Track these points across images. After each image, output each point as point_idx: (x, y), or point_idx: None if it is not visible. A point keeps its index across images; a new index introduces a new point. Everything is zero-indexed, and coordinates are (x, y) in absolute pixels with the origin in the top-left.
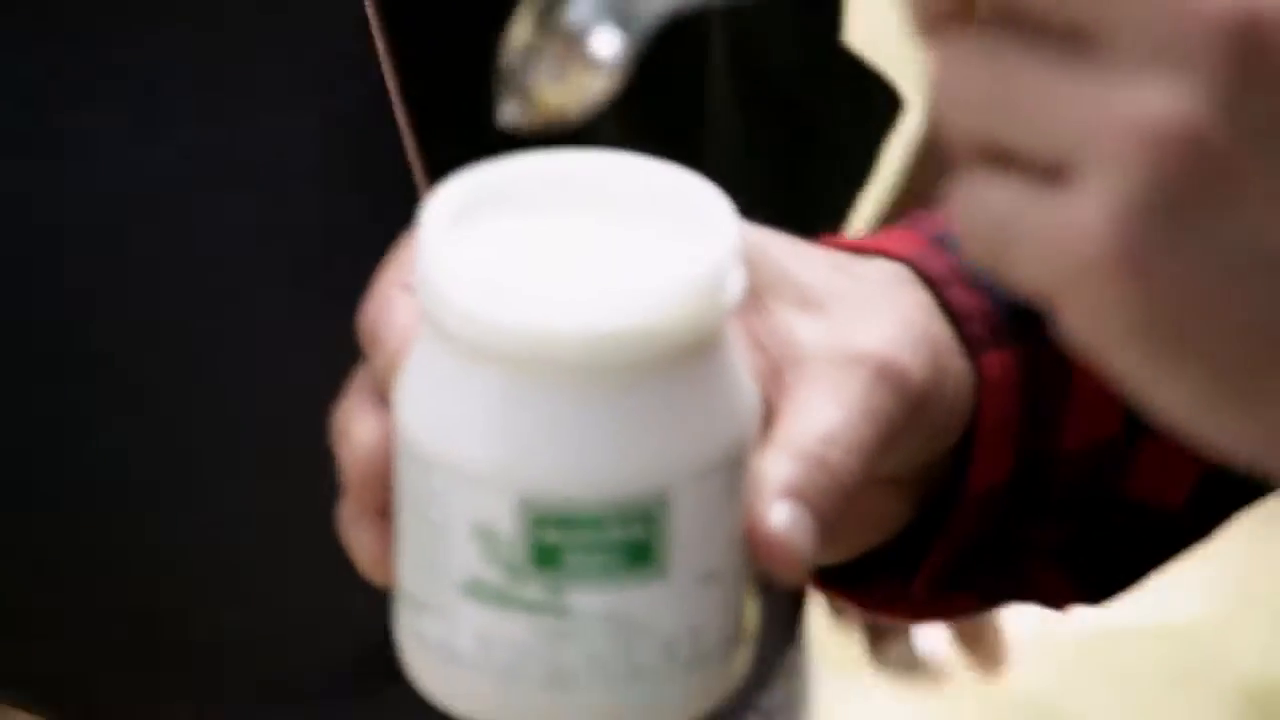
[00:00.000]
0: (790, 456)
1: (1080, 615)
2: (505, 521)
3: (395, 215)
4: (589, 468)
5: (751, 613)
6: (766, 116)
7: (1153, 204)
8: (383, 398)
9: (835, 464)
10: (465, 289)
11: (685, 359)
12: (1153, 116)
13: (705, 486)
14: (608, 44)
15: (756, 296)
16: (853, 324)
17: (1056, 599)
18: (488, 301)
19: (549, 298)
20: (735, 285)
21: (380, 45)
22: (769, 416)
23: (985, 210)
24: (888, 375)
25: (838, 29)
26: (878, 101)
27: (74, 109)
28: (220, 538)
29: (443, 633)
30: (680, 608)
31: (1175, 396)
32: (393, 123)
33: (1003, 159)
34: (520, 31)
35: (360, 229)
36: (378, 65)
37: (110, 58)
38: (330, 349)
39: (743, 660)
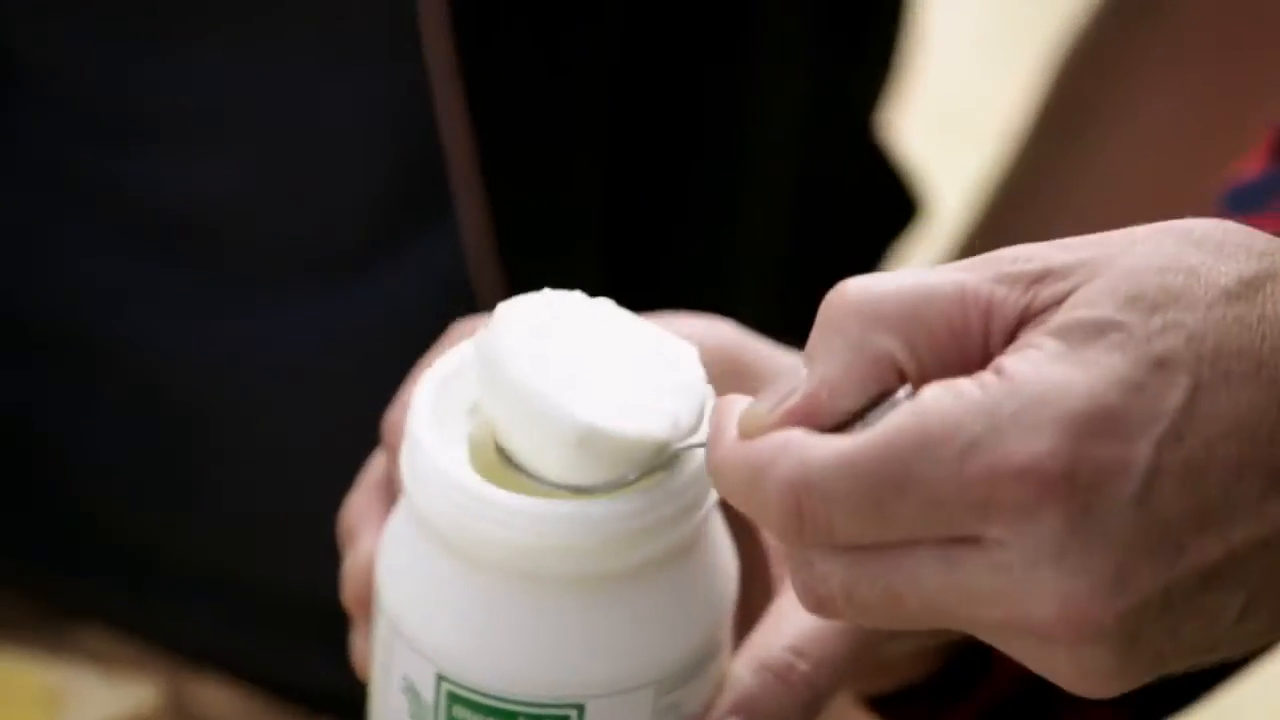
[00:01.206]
0: (751, 669)
1: None
2: (427, 688)
3: None
4: (509, 665)
5: None
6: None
7: (1116, 649)
8: (393, 496)
9: (798, 679)
10: (424, 474)
11: (617, 583)
12: (1075, 598)
13: (627, 702)
14: None
15: None
16: None
17: None
18: (440, 490)
19: (493, 504)
20: (684, 516)
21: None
22: (765, 600)
23: None
24: None
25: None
26: (897, 203)
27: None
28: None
29: None
30: None
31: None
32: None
33: None
34: None
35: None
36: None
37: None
38: None
39: None
